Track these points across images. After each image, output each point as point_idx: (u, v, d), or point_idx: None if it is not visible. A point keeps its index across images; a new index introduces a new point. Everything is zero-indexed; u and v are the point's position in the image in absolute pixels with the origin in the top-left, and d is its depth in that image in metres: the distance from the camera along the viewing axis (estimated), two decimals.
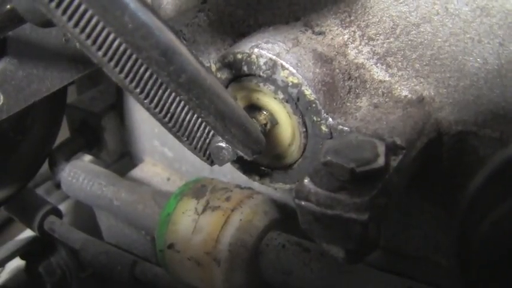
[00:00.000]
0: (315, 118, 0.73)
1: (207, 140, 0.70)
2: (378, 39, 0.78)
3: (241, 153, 0.70)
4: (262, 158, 0.79)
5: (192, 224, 0.92)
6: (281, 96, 0.74)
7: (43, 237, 1.15)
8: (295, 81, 0.72)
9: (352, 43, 0.79)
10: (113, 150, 1.27)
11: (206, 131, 0.69)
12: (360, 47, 0.79)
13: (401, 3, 0.74)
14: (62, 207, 1.30)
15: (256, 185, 0.89)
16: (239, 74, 0.76)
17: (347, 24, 0.79)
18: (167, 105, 0.64)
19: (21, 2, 0.61)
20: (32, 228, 1.15)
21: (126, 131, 1.27)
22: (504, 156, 0.58)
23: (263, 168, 0.82)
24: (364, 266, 0.84)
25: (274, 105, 0.75)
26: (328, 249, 0.67)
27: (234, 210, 0.91)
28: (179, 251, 0.92)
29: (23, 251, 1.20)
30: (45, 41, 0.79)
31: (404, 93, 0.78)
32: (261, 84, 0.75)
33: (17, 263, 1.24)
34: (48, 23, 0.61)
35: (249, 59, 0.74)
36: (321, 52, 0.77)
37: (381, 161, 0.64)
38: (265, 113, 0.76)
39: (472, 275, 0.60)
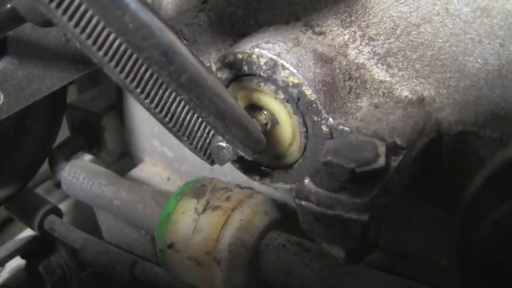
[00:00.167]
0: (315, 118, 0.73)
1: (208, 140, 0.70)
2: (378, 40, 0.78)
3: (241, 153, 0.70)
4: (262, 157, 0.79)
5: (192, 224, 0.92)
6: (282, 96, 0.74)
7: (43, 237, 1.15)
8: (296, 81, 0.72)
9: (352, 43, 0.79)
10: (113, 149, 1.27)
11: (206, 130, 0.69)
12: (360, 47, 0.79)
13: (401, 3, 0.74)
14: (62, 206, 1.30)
15: (256, 184, 0.89)
16: (239, 74, 0.76)
17: (347, 25, 0.79)
18: (167, 105, 0.64)
19: (21, 2, 0.61)
20: (32, 228, 1.15)
21: (126, 131, 1.27)
22: (504, 156, 0.58)
23: (263, 168, 0.82)
24: (364, 266, 0.84)
25: (275, 105, 0.75)
26: (329, 249, 0.67)
27: (234, 210, 0.91)
28: (179, 251, 0.92)
29: (23, 250, 1.20)
30: (46, 40, 0.79)
31: (405, 93, 0.78)
32: (262, 84, 0.75)
33: (17, 262, 1.24)
34: (48, 23, 0.61)
35: (249, 59, 0.74)
36: (321, 52, 0.77)
37: (381, 161, 0.64)
38: (265, 112, 0.76)
39: (473, 275, 0.60)
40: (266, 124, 0.75)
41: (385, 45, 0.77)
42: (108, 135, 1.25)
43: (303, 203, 0.65)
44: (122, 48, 0.58)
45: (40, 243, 1.20)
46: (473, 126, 0.74)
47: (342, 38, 0.79)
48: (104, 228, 1.19)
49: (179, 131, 0.66)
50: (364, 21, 0.78)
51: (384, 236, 0.84)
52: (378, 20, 0.77)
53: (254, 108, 0.77)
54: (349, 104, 0.76)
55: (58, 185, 1.17)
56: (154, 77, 0.61)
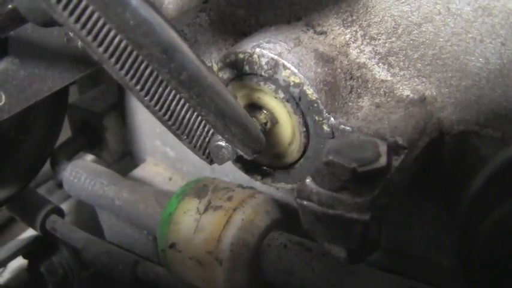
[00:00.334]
0: (316, 118, 0.73)
1: (207, 139, 0.70)
2: (379, 39, 0.77)
3: (241, 153, 0.70)
4: (262, 157, 0.79)
5: (194, 224, 0.92)
6: (281, 95, 0.74)
7: (45, 237, 1.15)
8: (297, 80, 0.72)
9: (353, 43, 0.79)
10: (115, 149, 1.27)
11: (206, 129, 0.69)
12: (361, 47, 0.79)
13: (403, 2, 0.74)
14: (64, 206, 1.30)
15: (258, 184, 0.89)
16: (240, 74, 0.76)
17: (349, 24, 0.79)
18: (167, 103, 0.64)
19: (22, 2, 0.61)
20: (34, 228, 1.15)
21: (128, 131, 1.27)
22: (505, 156, 0.58)
23: (265, 167, 0.82)
24: (365, 266, 0.84)
25: (275, 105, 0.75)
26: (330, 249, 0.67)
27: (236, 209, 0.91)
28: (181, 251, 0.92)
29: (25, 250, 1.20)
30: (47, 40, 0.79)
31: (406, 92, 0.78)
32: (262, 83, 0.75)
33: (19, 262, 1.24)
34: (49, 23, 0.61)
35: (250, 58, 0.74)
36: (322, 52, 0.77)
37: (382, 160, 0.64)
38: (265, 112, 0.76)
39: (474, 275, 0.60)
40: (266, 123, 0.75)
41: (387, 45, 0.77)
42: (109, 135, 1.25)
43: (305, 202, 0.65)
44: (122, 45, 0.58)
45: (42, 243, 1.20)
46: (475, 125, 0.74)
47: (343, 37, 0.79)
48: (105, 228, 1.19)
49: (178, 129, 0.66)
50: (365, 21, 0.78)
51: (385, 236, 0.84)
52: (379, 20, 0.76)
53: (254, 107, 0.77)
54: (350, 104, 0.76)
55: (60, 185, 1.17)
56: (154, 74, 0.61)
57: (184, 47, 0.60)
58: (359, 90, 0.78)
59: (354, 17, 0.78)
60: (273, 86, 0.74)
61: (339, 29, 0.80)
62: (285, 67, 0.72)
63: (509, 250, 0.57)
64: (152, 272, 0.97)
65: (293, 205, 0.99)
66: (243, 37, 0.83)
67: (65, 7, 0.54)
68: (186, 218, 0.93)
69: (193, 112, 0.66)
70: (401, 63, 0.77)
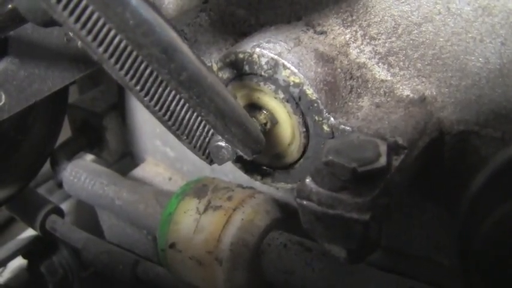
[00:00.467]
0: (316, 118, 0.73)
1: (207, 139, 0.70)
2: (379, 39, 0.77)
3: (240, 153, 0.70)
4: (262, 157, 0.79)
5: (194, 224, 0.92)
6: (281, 95, 0.74)
7: (45, 237, 1.15)
8: (297, 80, 0.72)
9: (353, 42, 0.79)
10: (115, 149, 1.27)
11: (206, 129, 0.69)
12: (361, 47, 0.79)
13: (403, 2, 0.74)
14: (64, 206, 1.30)
15: (257, 184, 0.89)
16: (240, 74, 0.76)
17: (349, 24, 0.79)
18: (167, 103, 0.64)
19: (22, 2, 0.61)
20: (33, 228, 1.15)
21: (128, 131, 1.27)
22: (505, 156, 0.58)
23: (265, 167, 0.82)
24: (365, 266, 0.84)
25: (275, 105, 0.75)
26: (330, 248, 0.67)
27: (236, 209, 0.91)
28: (181, 251, 0.92)
29: (25, 250, 1.20)
30: (47, 40, 0.79)
31: (406, 92, 0.78)
32: (262, 84, 0.75)
33: (19, 262, 1.24)
34: (49, 23, 0.61)
35: (250, 58, 0.74)
36: (322, 52, 0.76)
37: (382, 160, 0.64)
38: (265, 112, 0.76)
39: (474, 274, 0.60)
40: (265, 124, 0.75)
41: (387, 45, 0.77)
42: (109, 135, 1.25)
43: (304, 202, 0.65)
44: (122, 45, 0.58)
45: (42, 243, 1.20)
46: (475, 125, 0.74)
47: (343, 37, 0.79)
48: (105, 228, 1.19)
49: (178, 129, 0.66)
50: (365, 21, 0.78)
51: (385, 236, 0.84)
52: (379, 19, 0.76)
53: (254, 107, 0.77)
54: (350, 104, 0.76)
55: (60, 185, 1.17)
56: (154, 74, 0.61)
57: (184, 47, 0.60)
58: (359, 90, 0.78)
59: (354, 17, 0.78)
60: (272, 86, 0.74)
61: (339, 28, 0.80)
62: (284, 67, 0.72)
63: (509, 250, 0.57)
64: (152, 271, 0.97)
65: (293, 205, 0.99)
66: (243, 37, 0.83)
67: (65, 7, 0.54)
68: (186, 217, 0.93)
69: (193, 112, 0.66)
70: (401, 63, 0.77)
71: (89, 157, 1.38)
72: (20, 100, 0.78)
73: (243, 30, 0.86)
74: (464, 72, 0.73)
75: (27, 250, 1.20)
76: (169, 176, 1.23)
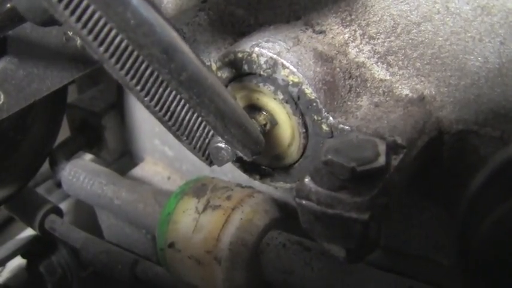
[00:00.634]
0: (315, 117, 0.73)
1: (207, 140, 0.70)
2: (378, 38, 0.77)
3: (240, 154, 0.70)
4: (261, 158, 0.79)
5: (193, 223, 0.92)
6: (281, 96, 0.74)
7: (44, 236, 1.15)
8: (296, 80, 0.72)
9: (352, 42, 0.79)
10: (114, 149, 1.27)
11: (206, 131, 0.69)
12: (360, 46, 0.79)
13: (402, 2, 0.74)
14: (63, 206, 1.30)
15: (256, 183, 0.89)
16: (239, 73, 0.76)
17: (348, 23, 0.79)
18: (167, 103, 0.64)
19: (21, 1, 0.61)
20: (32, 227, 1.15)
21: (127, 130, 1.27)
22: (505, 155, 0.58)
23: (264, 167, 0.82)
24: (364, 266, 0.84)
25: (274, 106, 0.75)
26: (329, 248, 0.67)
27: (235, 209, 0.91)
28: (180, 250, 0.92)
29: (24, 250, 1.20)
30: (46, 40, 0.79)
31: (405, 92, 0.78)
32: (261, 85, 0.75)
33: (18, 262, 1.24)
34: (48, 22, 0.61)
35: (249, 58, 0.74)
36: (321, 51, 0.76)
37: (381, 160, 0.64)
38: (264, 113, 0.76)
39: (473, 274, 0.60)
40: (265, 125, 0.75)
41: (386, 44, 0.77)
42: (108, 135, 1.25)
43: (303, 202, 0.65)
44: (123, 44, 0.58)
45: (41, 242, 1.20)
46: (474, 124, 0.74)
47: (342, 36, 0.79)
48: (104, 228, 1.19)
49: (178, 130, 0.66)
50: (364, 20, 0.78)
51: (384, 235, 0.84)
52: (378, 19, 0.76)
53: (253, 108, 0.77)
54: (349, 103, 0.76)
55: (59, 185, 1.17)
56: (155, 74, 0.61)
57: (184, 47, 0.60)
58: (358, 89, 0.78)
59: (353, 16, 0.78)
60: (272, 87, 0.74)
61: (338, 28, 0.80)
62: (283, 66, 0.72)
63: (508, 250, 0.57)
64: (151, 271, 0.97)
65: (292, 204, 0.99)
66: (242, 36, 0.83)
67: (66, 6, 0.54)
68: (185, 217, 0.93)
69: (193, 113, 0.66)
70: (400, 62, 0.77)
71: (88, 156, 1.38)
72: (19, 100, 0.78)
73: (242, 30, 0.86)
74: (463, 72, 0.73)
75: (26, 250, 1.20)
76: (168, 175, 1.23)
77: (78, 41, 0.81)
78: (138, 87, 0.61)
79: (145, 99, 0.62)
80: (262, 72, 0.74)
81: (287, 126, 0.76)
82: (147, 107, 0.63)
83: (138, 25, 0.56)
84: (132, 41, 0.57)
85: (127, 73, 0.59)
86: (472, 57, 0.72)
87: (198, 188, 0.97)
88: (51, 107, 1.04)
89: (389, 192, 0.65)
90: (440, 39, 0.73)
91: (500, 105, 0.72)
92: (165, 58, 0.59)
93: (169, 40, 0.58)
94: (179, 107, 0.65)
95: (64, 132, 1.18)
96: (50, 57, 0.80)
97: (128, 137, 1.28)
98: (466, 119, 0.75)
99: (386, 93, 0.79)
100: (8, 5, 0.64)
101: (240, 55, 0.75)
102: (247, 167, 0.83)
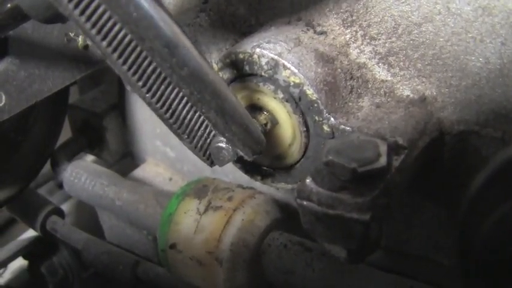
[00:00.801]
0: (316, 118, 0.73)
1: (208, 140, 0.70)
2: (379, 39, 0.77)
3: (241, 153, 0.70)
4: (263, 158, 0.79)
5: (194, 224, 0.92)
6: (281, 95, 0.74)
7: (45, 237, 1.15)
8: (297, 81, 0.72)
9: (354, 43, 0.79)
10: (115, 150, 1.27)
11: (207, 131, 0.69)
12: (361, 47, 0.79)
13: (403, 2, 0.74)
14: (64, 207, 1.30)
15: (258, 184, 0.89)
16: (241, 74, 0.76)
17: (349, 24, 0.79)
18: (169, 101, 0.64)
19: None
20: (34, 229, 1.15)
21: (128, 131, 1.27)
22: (505, 155, 0.58)
23: (265, 168, 0.82)
24: (365, 266, 0.84)
25: (274, 105, 0.75)
26: (330, 249, 0.67)
27: (236, 210, 0.91)
28: (181, 251, 0.92)
29: (26, 251, 1.20)
30: (47, 41, 0.79)
31: (406, 92, 0.78)
32: (261, 84, 0.75)
33: (20, 263, 1.25)
34: (51, 19, 0.61)
35: (250, 58, 0.74)
36: (322, 52, 0.77)
37: (382, 160, 0.64)
38: (265, 113, 0.76)
39: (474, 275, 0.60)
40: (266, 124, 0.75)
41: (387, 45, 0.77)
42: (110, 136, 1.25)
43: (305, 202, 0.65)
44: (126, 39, 0.58)
45: (42, 244, 1.20)
46: (475, 125, 0.74)
47: (343, 37, 0.79)
48: (105, 229, 1.19)
49: (179, 128, 0.66)
50: (365, 21, 0.78)
51: (385, 235, 0.84)
52: (379, 20, 0.76)
53: (254, 108, 0.77)
54: (350, 104, 0.76)
55: (60, 186, 1.17)
56: (157, 71, 0.61)
57: (186, 42, 0.60)
58: (359, 90, 0.78)
59: (354, 17, 0.78)
60: (272, 87, 0.74)
61: (339, 29, 0.80)
62: (285, 67, 0.72)
63: (509, 250, 0.57)
64: (152, 272, 0.97)
65: (293, 205, 0.99)
66: (243, 37, 0.83)
67: (71, 0, 0.55)
68: (186, 218, 0.93)
69: (195, 112, 0.66)
70: (402, 63, 0.77)
71: (89, 158, 1.38)
72: (20, 101, 0.78)
73: (243, 31, 0.86)
74: (464, 72, 0.73)
75: (28, 251, 1.21)
76: (170, 176, 1.23)
77: (80, 42, 0.82)
78: (140, 83, 0.61)
79: (147, 95, 0.62)
80: (263, 73, 0.74)
81: (288, 125, 0.76)
82: (149, 104, 0.64)
83: (140, 18, 0.57)
84: (134, 34, 0.58)
85: (129, 68, 0.60)
86: (473, 58, 0.72)
87: (199, 189, 0.97)
88: (53, 108, 1.04)
89: (390, 192, 0.65)
90: (441, 40, 0.73)
91: (502, 106, 0.72)
92: (167, 52, 0.59)
93: (171, 34, 0.59)
94: (181, 105, 0.65)
95: (65, 133, 1.18)
96: (52, 58, 0.80)
97: (129, 138, 1.28)
98: (467, 120, 0.75)
99: (387, 94, 0.79)
100: (9, 5, 0.64)
101: (241, 56, 0.75)
102: (249, 168, 0.83)
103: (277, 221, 0.94)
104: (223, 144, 0.69)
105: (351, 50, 0.79)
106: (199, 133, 0.68)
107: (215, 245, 0.89)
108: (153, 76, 0.61)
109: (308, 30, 0.80)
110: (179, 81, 0.62)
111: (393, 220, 0.88)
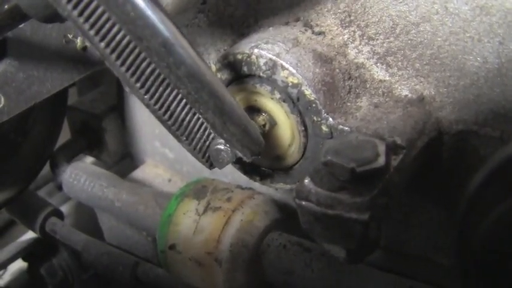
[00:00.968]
0: (315, 118, 0.73)
1: (207, 143, 0.70)
2: (377, 39, 0.78)
3: (240, 154, 0.70)
4: (262, 160, 0.79)
5: (193, 225, 0.92)
6: (278, 96, 0.74)
7: (45, 239, 1.15)
8: (295, 81, 0.72)
9: (352, 43, 0.79)
10: (114, 151, 1.27)
11: (206, 133, 0.69)
12: (359, 47, 0.79)
13: (400, 2, 0.74)
14: (64, 208, 1.30)
15: (257, 185, 0.89)
16: (239, 75, 0.76)
17: (347, 24, 0.79)
18: (168, 102, 0.64)
19: None
20: (33, 230, 1.15)
21: (127, 133, 1.27)
22: (504, 154, 0.58)
23: (264, 168, 0.82)
24: (365, 266, 0.84)
25: (272, 106, 0.75)
26: (329, 249, 0.67)
27: (235, 210, 0.91)
28: (180, 252, 0.92)
29: (25, 252, 1.20)
30: (46, 42, 0.79)
31: (405, 92, 0.78)
32: (258, 85, 0.75)
33: (19, 264, 1.24)
34: (50, 18, 0.61)
35: (249, 59, 0.74)
36: (320, 52, 0.77)
37: (381, 160, 0.64)
38: (263, 114, 0.76)
39: (473, 274, 0.60)
40: (264, 125, 0.75)
41: (385, 45, 0.77)
42: (109, 137, 1.25)
43: (303, 203, 0.65)
44: (125, 41, 0.58)
45: (42, 245, 1.20)
46: (474, 125, 0.74)
47: (341, 37, 0.79)
48: (105, 230, 1.19)
49: (178, 129, 0.66)
50: (363, 21, 0.78)
51: (384, 235, 0.84)
52: (377, 20, 0.77)
53: (252, 110, 0.77)
54: (348, 104, 0.76)
55: (59, 187, 1.17)
56: (156, 72, 0.61)
57: (183, 41, 0.60)
58: (357, 90, 0.78)
59: (352, 17, 0.78)
60: (268, 87, 0.74)
61: (337, 29, 0.80)
62: (283, 67, 0.72)
63: (508, 249, 0.57)
64: (152, 273, 0.97)
65: (292, 205, 0.98)
66: (242, 38, 0.83)
67: (69, 0, 0.55)
68: (185, 219, 0.93)
69: (193, 114, 0.66)
70: (400, 63, 0.77)
71: (89, 159, 1.38)
72: (19, 102, 0.78)
73: (241, 31, 0.86)
74: (462, 72, 0.73)
75: (28, 252, 1.20)
76: (169, 177, 1.23)
77: (78, 43, 0.82)
78: (138, 84, 0.61)
79: (145, 97, 0.62)
80: (261, 74, 0.74)
81: (286, 126, 0.76)
82: (147, 106, 0.64)
83: (137, 17, 0.57)
84: (131, 33, 0.58)
85: (127, 69, 0.60)
86: (471, 58, 0.72)
87: (198, 189, 0.97)
88: (52, 110, 1.04)
89: (389, 192, 0.65)
90: (439, 39, 0.73)
91: (500, 105, 0.72)
92: (164, 51, 0.59)
93: (168, 33, 0.59)
94: (179, 107, 0.65)
95: (65, 135, 1.18)
96: (50, 59, 0.80)
97: (128, 140, 1.28)
98: (466, 119, 0.75)
99: (385, 94, 0.79)
100: (6, 6, 0.64)
101: (239, 57, 0.75)
102: (247, 169, 0.83)
103: (276, 221, 0.94)
104: (222, 146, 0.69)
105: (349, 50, 0.79)
106: (198, 135, 0.68)
107: (214, 246, 0.89)
108: (152, 77, 0.61)
109: (306, 30, 0.80)
110: (177, 81, 0.62)
111: (392, 220, 0.88)
